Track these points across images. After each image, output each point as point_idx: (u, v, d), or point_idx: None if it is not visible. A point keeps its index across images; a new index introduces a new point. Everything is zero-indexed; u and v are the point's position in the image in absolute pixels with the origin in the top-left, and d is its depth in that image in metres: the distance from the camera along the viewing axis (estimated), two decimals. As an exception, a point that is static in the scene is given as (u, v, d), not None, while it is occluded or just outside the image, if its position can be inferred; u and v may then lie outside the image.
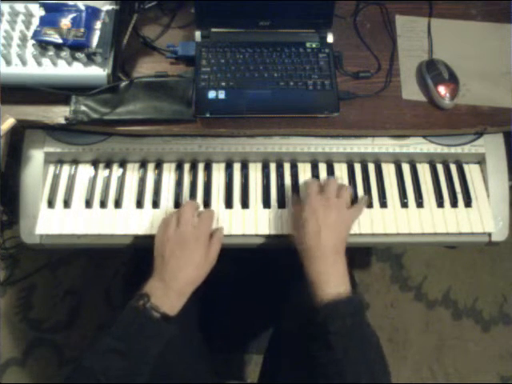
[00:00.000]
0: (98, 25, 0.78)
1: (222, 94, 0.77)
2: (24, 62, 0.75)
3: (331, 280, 0.65)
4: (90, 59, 0.75)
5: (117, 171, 0.81)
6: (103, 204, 0.78)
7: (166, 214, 0.77)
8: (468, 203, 0.80)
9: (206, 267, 0.70)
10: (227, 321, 1.13)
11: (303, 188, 0.76)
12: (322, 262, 0.66)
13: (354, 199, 0.79)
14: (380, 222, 0.78)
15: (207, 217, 0.73)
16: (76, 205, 0.78)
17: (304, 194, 0.73)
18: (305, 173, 0.82)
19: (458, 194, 0.81)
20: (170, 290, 0.65)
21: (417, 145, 0.81)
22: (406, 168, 0.83)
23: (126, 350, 0.61)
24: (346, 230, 0.71)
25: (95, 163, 0.81)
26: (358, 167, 0.83)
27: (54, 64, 0.75)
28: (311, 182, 0.74)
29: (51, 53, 0.75)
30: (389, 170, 0.83)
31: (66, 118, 0.75)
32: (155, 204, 0.78)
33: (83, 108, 0.75)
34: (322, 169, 0.82)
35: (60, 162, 0.81)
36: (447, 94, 0.78)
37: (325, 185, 0.73)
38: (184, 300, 0.67)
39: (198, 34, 0.82)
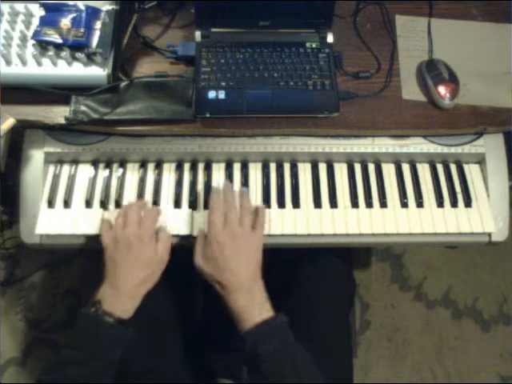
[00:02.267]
0: (98, 25, 0.78)
1: (222, 94, 0.77)
2: (24, 62, 0.75)
3: (253, 309, 0.65)
4: (90, 59, 0.75)
5: (117, 171, 0.81)
6: (103, 204, 0.78)
7: (167, 213, 0.77)
8: (468, 203, 0.80)
9: (155, 266, 0.69)
10: (227, 321, 1.13)
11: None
12: (240, 295, 0.66)
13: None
14: (380, 222, 0.78)
15: (150, 215, 0.72)
16: (76, 205, 0.78)
17: (207, 227, 0.70)
18: (305, 173, 0.82)
19: (458, 194, 0.81)
20: (121, 294, 0.65)
21: (417, 145, 0.81)
22: (405, 168, 0.83)
23: (82, 358, 0.61)
24: (256, 254, 0.69)
25: (95, 163, 0.81)
26: (357, 167, 0.83)
27: (54, 64, 0.75)
28: (212, 212, 0.70)
29: (51, 53, 0.75)
30: (389, 170, 0.83)
31: (66, 118, 0.75)
32: (155, 204, 0.78)
33: (83, 108, 0.75)
34: (322, 169, 0.82)
35: (60, 162, 0.81)
36: (447, 94, 0.78)
37: (226, 214, 0.70)
38: (137, 302, 0.67)
39: (197, 34, 0.82)
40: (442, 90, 0.79)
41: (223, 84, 0.78)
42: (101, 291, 0.66)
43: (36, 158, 0.78)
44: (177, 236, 0.77)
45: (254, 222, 0.71)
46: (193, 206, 0.78)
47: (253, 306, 0.65)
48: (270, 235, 0.77)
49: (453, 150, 0.81)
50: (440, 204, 0.80)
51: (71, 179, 0.80)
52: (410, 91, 0.81)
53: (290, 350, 0.63)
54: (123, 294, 0.66)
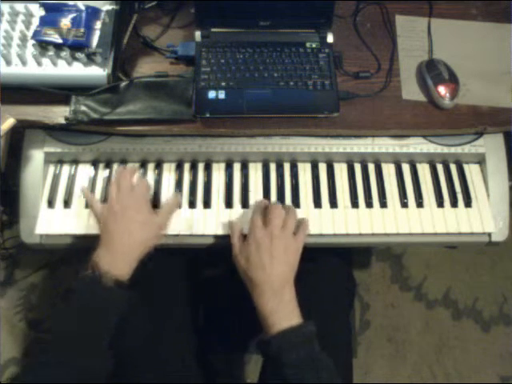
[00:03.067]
0: (98, 25, 0.78)
1: (221, 94, 0.77)
2: (24, 62, 0.75)
3: (281, 313, 0.65)
4: (90, 59, 0.75)
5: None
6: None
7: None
8: (468, 203, 0.80)
9: (152, 228, 0.70)
10: (227, 321, 1.13)
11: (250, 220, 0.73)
12: (270, 296, 0.65)
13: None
14: (380, 222, 0.78)
15: (143, 181, 0.74)
16: (76, 205, 0.78)
17: (249, 227, 0.71)
18: (305, 173, 0.82)
19: (458, 194, 0.81)
20: (117, 255, 0.65)
21: (417, 145, 0.81)
22: (406, 168, 0.83)
23: (80, 320, 0.61)
24: (294, 260, 0.69)
25: (95, 163, 0.81)
26: (358, 167, 0.83)
27: (54, 64, 0.75)
28: (255, 214, 0.72)
29: (51, 53, 0.75)
30: (389, 170, 0.83)
31: (66, 118, 0.75)
32: (155, 204, 0.78)
33: (83, 108, 0.75)
34: (322, 169, 0.82)
35: (60, 162, 0.81)
36: (447, 94, 0.78)
37: (269, 216, 0.71)
38: (133, 263, 0.67)
39: (197, 34, 0.82)
40: (442, 89, 0.79)
41: (223, 84, 0.78)
42: (96, 254, 0.66)
43: (36, 158, 0.78)
44: (177, 236, 0.77)
45: (297, 229, 0.72)
46: (193, 206, 0.78)
47: (281, 310, 0.65)
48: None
49: (453, 150, 0.81)
50: (440, 204, 0.80)
51: (71, 179, 0.80)
52: (410, 91, 0.81)
53: (314, 360, 0.63)
54: (119, 254, 0.65)
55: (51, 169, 0.80)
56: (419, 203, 0.80)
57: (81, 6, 0.77)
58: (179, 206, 0.77)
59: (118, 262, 0.65)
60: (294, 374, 0.61)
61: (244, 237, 0.72)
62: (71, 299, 0.64)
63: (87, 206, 0.78)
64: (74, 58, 0.75)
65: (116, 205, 0.69)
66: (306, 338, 0.64)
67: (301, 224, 0.73)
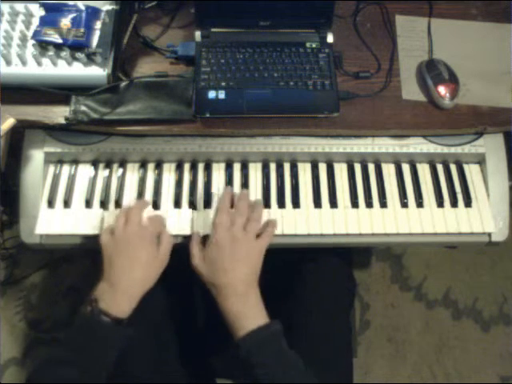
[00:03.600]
0: (98, 25, 0.78)
1: (221, 94, 0.77)
2: (24, 62, 0.75)
3: (247, 316, 0.65)
4: (90, 59, 0.75)
5: (117, 171, 0.81)
6: (103, 204, 0.78)
7: (167, 213, 0.77)
8: (468, 203, 0.80)
9: (155, 267, 0.69)
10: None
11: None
12: (235, 299, 0.65)
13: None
14: (380, 222, 0.78)
15: (155, 218, 0.72)
16: (76, 205, 0.78)
17: (212, 226, 0.70)
18: (305, 173, 0.82)
19: (458, 194, 0.81)
20: (118, 293, 0.64)
21: (417, 145, 0.81)
22: (406, 168, 0.83)
23: (75, 359, 0.60)
24: (256, 262, 0.69)
25: (95, 163, 0.81)
26: (358, 167, 0.83)
27: (54, 64, 0.75)
28: (219, 214, 0.70)
29: (51, 53, 0.75)
30: (389, 170, 0.83)
31: (66, 118, 0.75)
32: (155, 204, 0.78)
33: (83, 108, 0.75)
34: (322, 169, 0.82)
35: (60, 162, 0.81)
36: (447, 94, 0.78)
37: (232, 218, 0.70)
38: (134, 302, 0.66)
39: (197, 34, 0.82)
40: (442, 89, 0.79)
41: (223, 84, 0.78)
42: (98, 289, 0.65)
43: (36, 158, 0.78)
44: (177, 236, 0.77)
45: (262, 232, 0.71)
46: (193, 205, 0.78)
47: (247, 312, 0.65)
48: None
49: (453, 150, 0.81)
50: (440, 204, 0.80)
51: (71, 179, 0.80)
52: (410, 91, 0.81)
53: (283, 358, 0.63)
54: (120, 292, 0.65)
55: (51, 169, 0.80)
56: (419, 203, 0.80)
57: (81, 5, 0.77)
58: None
59: (118, 300, 0.64)
60: (264, 374, 0.61)
61: (204, 238, 0.71)
62: (70, 334, 0.63)
63: (87, 206, 0.78)
64: (74, 58, 0.75)
65: (122, 240, 0.67)
66: (272, 336, 0.64)
67: (267, 226, 0.72)
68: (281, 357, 0.63)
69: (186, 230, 0.77)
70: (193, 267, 0.70)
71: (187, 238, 0.77)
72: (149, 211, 0.75)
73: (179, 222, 0.77)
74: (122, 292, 0.65)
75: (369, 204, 0.80)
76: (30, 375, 0.61)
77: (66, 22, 0.76)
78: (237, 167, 0.82)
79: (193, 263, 0.70)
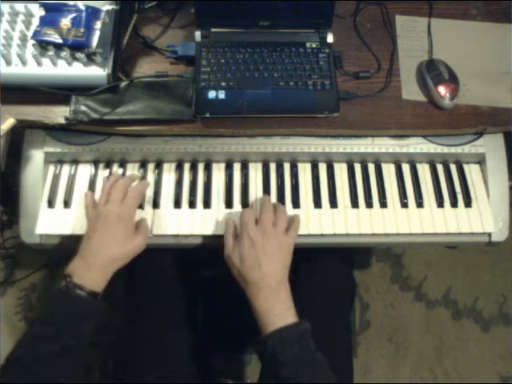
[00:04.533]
0: (98, 25, 0.78)
1: (222, 94, 0.77)
2: (24, 62, 0.75)
3: (277, 311, 0.65)
4: (90, 59, 0.75)
5: (117, 171, 0.81)
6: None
7: (167, 213, 0.77)
8: (468, 203, 0.80)
9: (130, 247, 0.69)
10: (227, 321, 1.13)
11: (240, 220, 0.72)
12: (266, 294, 0.65)
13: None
14: (380, 222, 0.78)
15: (134, 196, 0.72)
16: (76, 205, 0.78)
17: (240, 226, 0.71)
18: (305, 173, 0.82)
19: (458, 194, 0.81)
20: (92, 266, 0.65)
21: (417, 145, 0.81)
22: (405, 168, 0.83)
23: (54, 333, 0.61)
24: (287, 257, 0.70)
25: (95, 163, 0.81)
26: (358, 167, 0.83)
27: (54, 64, 0.75)
28: (246, 213, 0.71)
29: (51, 53, 0.75)
30: (389, 170, 0.83)
31: (66, 118, 0.75)
32: (155, 204, 0.78)
33: (83, 108, 0.75)
34: (322, 169, 0.82)
35: (60, 162, 0.81)
36: (447, 94, 0.78)
37: (260, 214, 0.71)
38: (107, 276, 0.67)
39: (197, 34, 0.82)
40: (442, 90, 0.79)
41: (223, 84, 0.78)
42: (71, 264, 0.66)
43: (36, 158, 0.78)
44: (177, 236, 0.77)
45: (289, 226, 0.72)
46: (193, 205, 0.78)
47: (277, 308, 0.65)
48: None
49: (453, 150, 0.81)
50: (440, 204, 0.80)
51: (71, 179, 0.80)
52: (410, 91, 0.81)
53: (310, 358, 0.63)
54: (93, 265, 0.65)
55: (51, 169, 0.80)
56: (419, 203, 0.80)
57: (81, 5, 0.77)
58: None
59: (92, 274, 0.65)
60: (289, 373, 0.61)
61: (236, 236, 0.72)
62: (47, 311, 0.64)
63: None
64: (74, 58, 0.75)
65: (101, 216, 0.69)
66: (301, 335, 0.64)
67: (292, 221, 0.73)
68: (308, 357, 0.63)
69: (186, 230, 0.77)
70: (225, 258, 0.70)
71: (188, 238, 0.77)
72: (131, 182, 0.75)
73: (179, 221, 0.77)
74: (95, 266, 0.66)
75: (369, 204, 0.80)
76: (12, 352, 0.62)
77: (66, 21, 0.76)
78: (237, 167, 0.82)
79: (226, 253, 0.70)
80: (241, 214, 0.72)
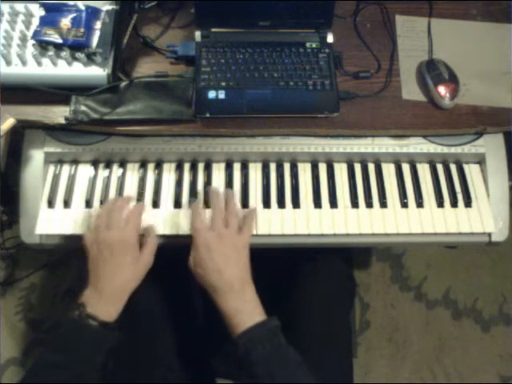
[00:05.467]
0: (98, 25, 0.78)
1: (222, 94, 0.77)
2: (24, 62, 0.75)
3: (244, 312, 0.65)
4: (90, 59, 0.75)
5: (117, 171, 0.81)
6: (103, 204, 0.78)
7: (167, 213, 0.77)
8: (468, 203, 0.80)
9: (139, 270, 0.69)
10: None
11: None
12: (230, 297, 0.66)
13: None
14: (380, 222, 0.78)
15: (134, 216, 0.72)
16: (76, 205, 0.78)
17: (192, 233, 0.70)
18: (305, 173, 0.82)
19: (458, 194, 0.81)
20: (104, 298, 0.65)
21: (417, 145, 0.81)
22: (405, 168, 0.83)
23: (66, 362, 0.61)
24: (245, 256, 0.69)
25: (95, 163, 0.81)
26: (358, 167, 0.83)
27: (54, 64, 0.75)
28: (194, 219, 0.71)
29: (51, 53, 0.75)
30: (389, 170, 0.83)
31: (66, 118, 0.75)
32: (155, 204, 0.78)
33: (83, 108, 0.75)
34: (322, 169, 0.82)
35: (60, 161, 0.81)
36: (447, 94, 0.78)
37: (212, 215, 0.71)
38: (121, 305, 0.67)
39: (197, 34, 0.82)
40: (442, 89, 0.79)
41: (223, 84, 0.78)
42: (85, 294, 0.66)
43: (36, 158, 0.78)
44: (177, 236, 0.77)
45: (242, 224, 0.71)
46: (193, 205, 0.79)
47: (243, 309, 0.65)
48: (269, 235, 0.77)
49: (453, 150, 0.81)
50: (440, 204, 0.80)
51: (71, 179, 0.80)
52: (410, 91, 0.81)
53: (281, 353, 0.63)
54: (106, 297, 0.65)
55: (51, 169, 0.80)
56: (419, 203, 0.80)
57: (81, 5, 0.78)
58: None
59: (104, 304, 0.65)
60: (263, 372, 0.61)
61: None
62: (59, 338, 0.64)
63: (87, 206, 0.78)
64: (74, 58, 0.75)
65: (104, 245, 0.68)
66: (270, 332, 0.64)
67: (245, 218, 0.72)
68: (280, 353, 0.63)
69: (185, 230, 0.77)
70: (189, 269, 0.70)
71: (188, 238, 0.77)
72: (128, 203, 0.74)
73: (179, 221, 0.77)
74: (107, 297, 0.66)
75: (369, 204, 0.80)
76: (23, 379, 0.62)
77: (66, 21, 0.76)
78: (237, 167, 0.82)
79: (189, 264, 0.70)
80: (190, 219, 0.71)
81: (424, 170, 0.83)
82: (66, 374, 0.61)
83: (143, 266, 0.70)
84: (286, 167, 0.82)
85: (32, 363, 0.63)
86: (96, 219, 0.71)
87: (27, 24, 0.78)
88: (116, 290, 0.66)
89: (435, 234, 0.78)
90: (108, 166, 0.81)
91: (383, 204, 0.80)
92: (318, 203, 0.79)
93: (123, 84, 0.77)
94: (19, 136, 0.78)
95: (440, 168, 0.83)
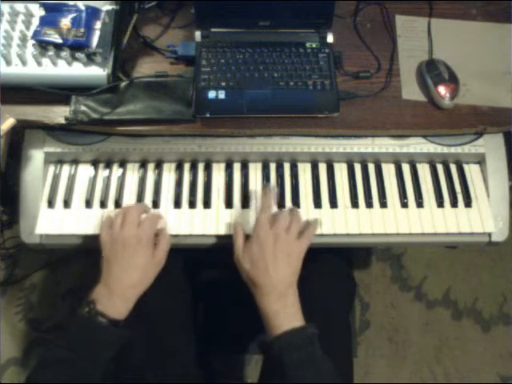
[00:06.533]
0: (98, 25, 0.78)
1: (222, 94, 0.77)
2: (24, 62, 0.75)
3: (285, 315, 0.65)
4: (90, 59, 0.75)
5: (117, 171, 0.81)
6: (103, 204, 0.78)
7: (167, 213, 0.77)
8: (468, 203, 0.80)
9: (151, 269, 0.69)
10: (228, 321, 1.13)
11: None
12: (274, 298, 0.66)
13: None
14: (380, 222, 0.78)
15: (151, 218, 0.72)
16: (76, 205, 0.78)
17: (254, 225, 0.70)
18: (305, 173, 0.82)
19: (458, 194, 0.81)
20: (114, 296, 0.65)
21: (417, 145, 0.81)
22: (405, 168, 0.83)
23: (73, 358, 0.61)
24: (297, 262, 0.69)
25: (95, 163, 0.81)
26: (358, 167, 0.83)
27: (54, 64, 0.75)
28: (262, 212, 0.71)
29: (51, 53, 0.75)
30: (389, 170, 0.83)
31: (66, 118, 0.75)
32: (155, 204, 0.78)
33: (83, 108, 0.75)
34: (322, 169, 0.82)
35: (60, 161, 0.81)
36: (447, 94, 0.78)
37: (275, 217, 0.71)
38: (131, 304, 0.67)
39: (197, 34, 0.82)
40: (442, 89, 0.79)
41: (223, 84, 0.78)
42: (95, 291, 0.66)
43: (36, 158, 0.78)
44: (177, 236, 0.77)
45: (303, 232, 0.71)
46: (193, 205, 0.78)
47: (284, 312, 0.65)
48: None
49: (453, 150, 0.81)
50: (440, 204, 0.80)
51: (71, 179, 0.80)
52: (410, 91, 0.81)
53: (315, 361, 0.63)
54: (117, 295, 0.66)
55: (51, 169, 0.80)
56: (419, 203, 0.80)
57: (81, 5, 0.77)
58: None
59: (114, 302, 0.65)
60: (294, 375, 0.61)
61: (247, 237, 0.72)
62: (67, 334, 0.64)
63: (87, 205, 0.78)
64: (74, 58, 0.75)
65: (119, 242, 0.68)
66: (307, 339, 0.64)
67: (307, 228, 0.72)
68: (313, 360, 0.63)
69: (185, 230, 0.77)
70: (235, 261, 0.70)
71: (188, 238, 0.77)
72: (146, 209, 0.75)
73: (179, 221, 0.77)
74: (118, 295, 0.66)
75: (369, 204, 0.80)
76: (30, 375, 0.62)
77: (66, 21, 0.76)
78: (237, 167, 0.82)
79: (236, 257, 0.70)
80: (259, 212, 0.72)
81: (424, 170, 0.83)
82: (72, 370, 0.61)
83: (155, 267, 0.70)
84: (286, 167, 0.82)
85: (39, 358, 0.63)
86: (113, 218, 0.71)
87: (27, 24, 0.78)
88: (127, 289, 0.67)
89: (435, 234, 0.78)
90: (108, 166, 0.81)
91: (383, 204, 0.80)
92: (318, 203, 0.79)
93: (123, 84, 0.77)
94: (19, 136, 0.78)
95: (440, 168, 0.83)
